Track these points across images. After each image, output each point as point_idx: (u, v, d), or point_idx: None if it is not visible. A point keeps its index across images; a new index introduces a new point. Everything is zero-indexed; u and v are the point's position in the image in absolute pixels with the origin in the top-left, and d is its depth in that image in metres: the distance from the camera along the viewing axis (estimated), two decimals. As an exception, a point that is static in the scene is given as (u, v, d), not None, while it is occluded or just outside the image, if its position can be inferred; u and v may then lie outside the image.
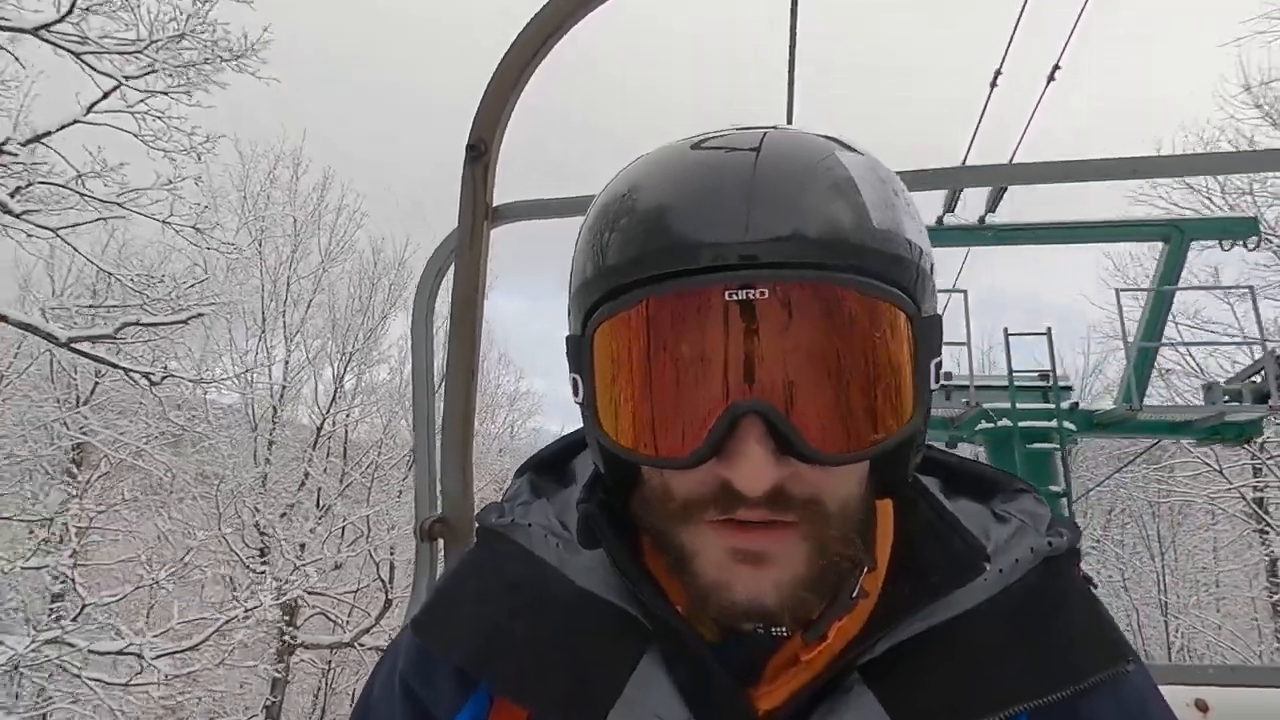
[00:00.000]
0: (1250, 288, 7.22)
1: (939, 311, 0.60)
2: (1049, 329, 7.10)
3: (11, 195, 7.39)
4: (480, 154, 1.36)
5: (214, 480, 13.77)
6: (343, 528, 14.78)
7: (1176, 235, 7.31)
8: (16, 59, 6.44)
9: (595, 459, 0.64)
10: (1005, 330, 7.16)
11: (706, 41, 29.55)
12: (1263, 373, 6.58)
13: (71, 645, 6.77)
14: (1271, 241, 12.91)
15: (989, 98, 6.25)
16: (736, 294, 0.50)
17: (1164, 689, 0.62)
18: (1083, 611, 0.60)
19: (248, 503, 14.31)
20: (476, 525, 0.72)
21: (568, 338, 0.61)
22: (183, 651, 8.10)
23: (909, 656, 0.57)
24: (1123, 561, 18.23)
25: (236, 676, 13.54)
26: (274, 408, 15.59)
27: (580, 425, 0.64)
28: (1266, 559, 15.26)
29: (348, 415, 16.37)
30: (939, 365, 0.57)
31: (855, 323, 0.52)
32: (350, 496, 15.53)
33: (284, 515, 14.46)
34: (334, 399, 16.15)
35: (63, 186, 7.68)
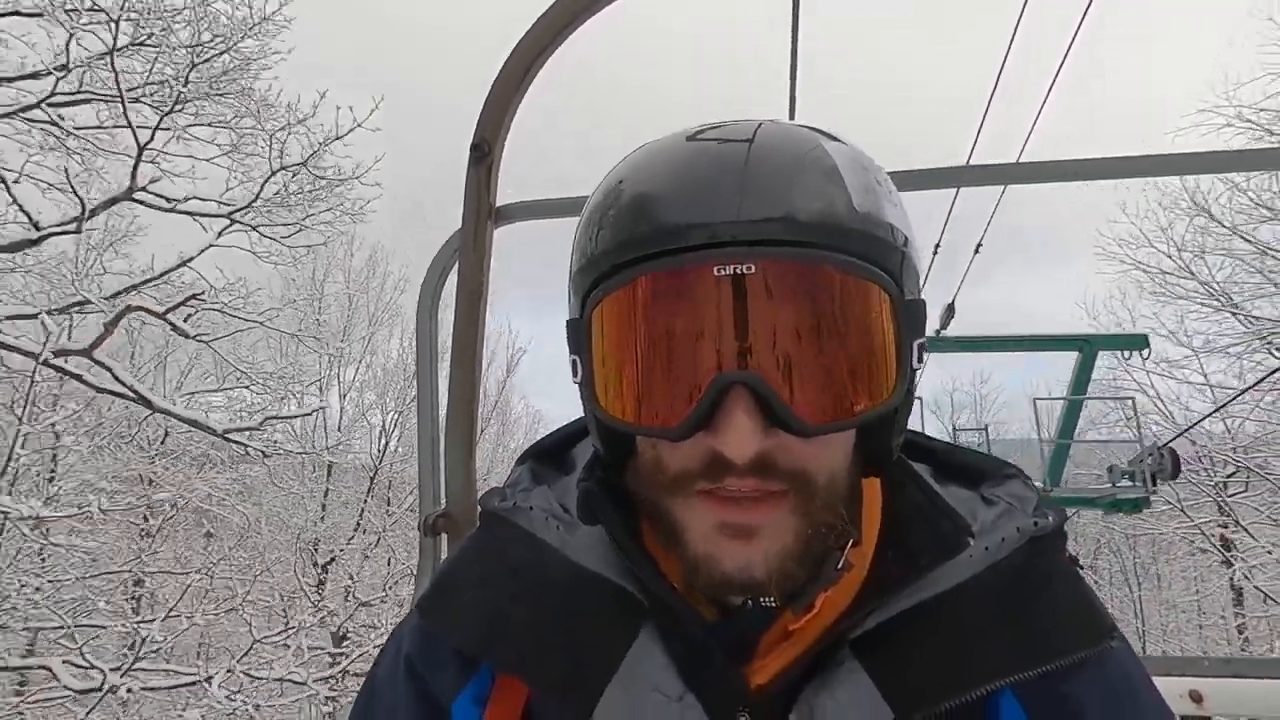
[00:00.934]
0: (1132, 399, 9.36)
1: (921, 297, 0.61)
2: (986, 426, 9.20)
3: (184, 320, 9.59)
4: (484, 154, 1.36)
5: (293, 528, 15.86)
6: (389, 569, 16.71)
7: (1086, 347, 9.39)
8: (203, 227, 8.57)
9: (593, 437, 0.68)
10: (953, 426, 9.27)
11: (706, 41, 29.01)
12: (1147, 460, 8.69)
13: (256, 677, 8.78)
14: (1222, 301, 14.82)
15: (989, 102, 6.39)
16: (725, 270, 0.53)
17: (1158, 680, 0.63)
18: (1067, 591, 0.61)
19: (307, 543, 16.35)
20: (479, 509, 0.73)
21: (567, 321, 0.63)
22: (328, 678, 10.03)
23: (898, 631, 0.59)
24: (1106, 591, 19.71)
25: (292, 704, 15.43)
26: (329, 463, 17.66)
27: (579, 415, 0.69)
28: (1229, 588, 16.34)
29: (390, 467, 18.40)
30: (922, 346, 0.59)
31: (838, 298, 0.55)
32: (398, 535, 17.50)
33: (343, 550, 16.45)
34: (384, 450, 18.24)
35: (219, 310, 9.83)
